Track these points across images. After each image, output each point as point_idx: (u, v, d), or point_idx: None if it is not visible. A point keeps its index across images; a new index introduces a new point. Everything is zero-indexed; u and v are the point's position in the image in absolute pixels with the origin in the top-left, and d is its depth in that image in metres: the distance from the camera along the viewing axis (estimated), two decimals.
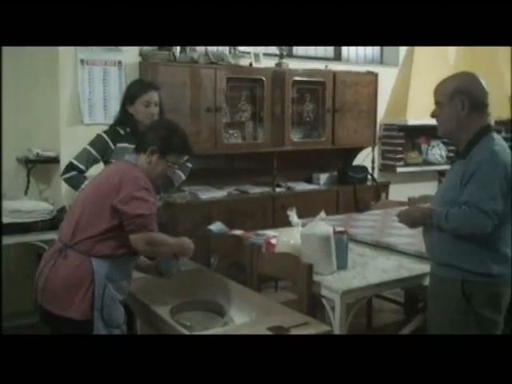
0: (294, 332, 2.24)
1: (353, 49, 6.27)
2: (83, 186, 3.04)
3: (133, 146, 3.20)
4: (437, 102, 2.44)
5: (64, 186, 3.82)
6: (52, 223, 3.70)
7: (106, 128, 3.39)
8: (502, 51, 6.16)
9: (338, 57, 6.12)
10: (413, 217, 2.48)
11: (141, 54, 4.45)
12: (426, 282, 2.72)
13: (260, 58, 5.02)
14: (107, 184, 2.39)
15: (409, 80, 6.11)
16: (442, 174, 5.95)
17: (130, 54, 4.39)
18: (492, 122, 2.49)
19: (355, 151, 5.81)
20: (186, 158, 2.69)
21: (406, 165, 6.21)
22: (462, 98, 2.36)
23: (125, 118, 3.28)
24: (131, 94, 3.28)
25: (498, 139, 2.38)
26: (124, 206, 2.31)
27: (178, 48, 4.55)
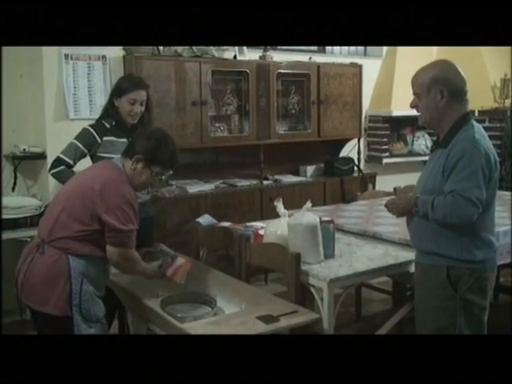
0: (283, 320, 2.28)
1: None
2: None
3: (119, 140, 3.25)
4: (415, 93, 2.44)
5: (51, 182, 3.82)
6: (40, 219, 3.69)
7: (91, 122, 3.39)
8: None
9: (321, 49, 6.13)
10: (399, 205, 2.48)
11: (124, 49, 4.44)
12: (412, 268, 2.75)
13: (244, 50, 5.03)
14: (90, 188, 2.35)
15: (393, 71, 6.15)
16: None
17: (114, 49, 4.39)
18: (476, 113, 2.50)
19: (341, 143, 5.85)
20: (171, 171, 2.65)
21: (392, 156, 6.26)
22: (440, 87, 2.35)
23: (111, 110, 3.29)
24: (120, 89, 3.29)
25: (478, 127, 2.39)
26: (108, 218, 2.31)
27: None
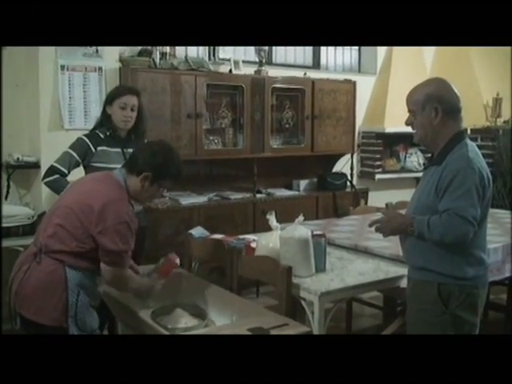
0: (273, 333, 2.28)
1: (331, 57, 6.36)
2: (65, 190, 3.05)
3: (113, 150, 3.26)
4: (410, 111, 2.45)
5: (44, 191, 3.82)
6: (32, 228, 3.70)
7: (86, 132, 3.41)
8: (476, 59, 6.29)
9: (316, 65, 6.20)
10: (393, 224, 2.44)
11: (121, 60, 4.47)
12: (403, 283, 2.77)
13: (240, 65, 5.08)
14: (89, 206, 2.32)
15: (386, 88, 6.21)
16: (419, 181, 6.04)
17: (110, 60, 4.42)
18: (468, 131, 2.51)
19: (334, 158, 5.89)
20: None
21: (385, 172, 6.29)
22: (434, 104, 2.36)
23: (104, 119, 3.32)
24: (110, 95, 3.36)
25: (472, 145, 2.40)
26: (102, 238, 2.30)
27: (158, 54, 4.59)
